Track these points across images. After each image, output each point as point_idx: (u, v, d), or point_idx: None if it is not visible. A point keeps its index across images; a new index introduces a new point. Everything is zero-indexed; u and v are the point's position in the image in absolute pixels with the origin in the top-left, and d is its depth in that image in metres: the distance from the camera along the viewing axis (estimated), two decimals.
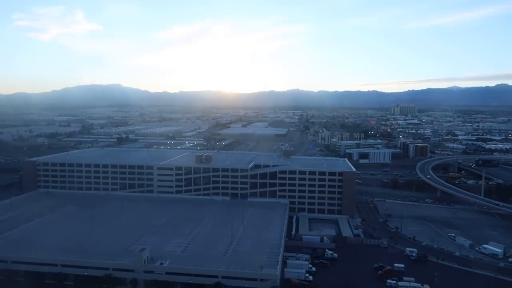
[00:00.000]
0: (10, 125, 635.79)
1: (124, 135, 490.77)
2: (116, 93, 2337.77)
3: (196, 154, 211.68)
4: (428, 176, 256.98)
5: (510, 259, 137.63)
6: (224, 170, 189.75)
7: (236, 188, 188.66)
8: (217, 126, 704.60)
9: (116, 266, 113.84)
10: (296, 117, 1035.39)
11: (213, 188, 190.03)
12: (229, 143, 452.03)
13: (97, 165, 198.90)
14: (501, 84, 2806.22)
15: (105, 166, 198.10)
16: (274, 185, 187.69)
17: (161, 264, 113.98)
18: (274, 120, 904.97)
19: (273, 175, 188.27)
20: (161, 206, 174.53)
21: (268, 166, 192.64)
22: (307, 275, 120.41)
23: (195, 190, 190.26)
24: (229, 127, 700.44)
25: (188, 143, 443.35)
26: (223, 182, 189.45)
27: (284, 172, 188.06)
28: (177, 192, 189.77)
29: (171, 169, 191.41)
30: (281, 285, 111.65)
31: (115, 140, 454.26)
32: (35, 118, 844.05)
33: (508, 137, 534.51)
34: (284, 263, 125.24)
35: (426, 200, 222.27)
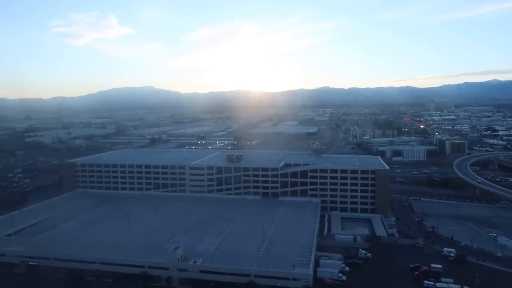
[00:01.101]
0: (50, 128, 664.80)
1: (156, 136, 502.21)
2: (148, 95, 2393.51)
3: (227, 153, 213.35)
4: (467, 174, 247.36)
5: None
6: (254, 169, 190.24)
7: (267, 187, 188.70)
8: (247, 126, 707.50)
9: (152, 264, 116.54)
10: (326, 115, 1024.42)
11: (244, 188, 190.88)
12: (260, 142, 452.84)
13: (131, 166, 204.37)
14: None
15: (139, 166, 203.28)
16: (305, 184, 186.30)
17: (194, 262, 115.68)
18: (304, 118, 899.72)
19: (304, 174, 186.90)
20: (193, 205, 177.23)
21: (298, 164, 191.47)
22: (340, 274, 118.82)
23: (226, 189, 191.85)
24: (259, 126, 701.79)
25: (219, 142, 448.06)
26: (253, 181, 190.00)
27: (315, 170, 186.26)
28: (209, 191, 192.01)
29: (203, 168, 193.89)
30: (314, 285, 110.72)
31: (148, 141, 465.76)
32: (72, 121, 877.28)
33: None
34: (317, 263, 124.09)
35: (466, 199, 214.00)
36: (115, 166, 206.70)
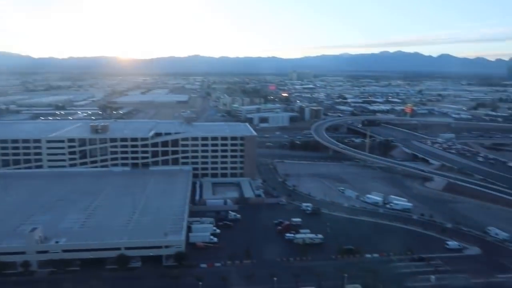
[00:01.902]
0: None
1: (3, 107, 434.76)
2: None
3: (91, 124, 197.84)
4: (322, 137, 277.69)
5: (387, 206, 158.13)
6: (122, 139, 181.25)
7: (137, 158, 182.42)
8: (113, 94, 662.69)
9: (3, 250, 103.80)
10: (197, 83, 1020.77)
11: (112, 159, 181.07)
12: (128, 111, 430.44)
13: None
14: (384, 51, 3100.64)
15: None
16: (176, 152, 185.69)
17: (56, 242, 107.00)
18: (174, 86, 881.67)
19: (175, 143, 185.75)
20: (53, 182, 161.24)
21: (169, 133, 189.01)
22: (211, 237, 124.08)
23: (92, 162, 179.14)
24: (126, 94, 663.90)
25: (81, 113, 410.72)
26: (122, 152, 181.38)
27: (186, 139, 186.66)
28: (71, 165, 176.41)
29: (63, 141, 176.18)
30: (186, 249, 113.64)
31: None
32: None
33: (388, 99, 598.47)
34: (189, 228, 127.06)
35: (321, 159, 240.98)
36: None
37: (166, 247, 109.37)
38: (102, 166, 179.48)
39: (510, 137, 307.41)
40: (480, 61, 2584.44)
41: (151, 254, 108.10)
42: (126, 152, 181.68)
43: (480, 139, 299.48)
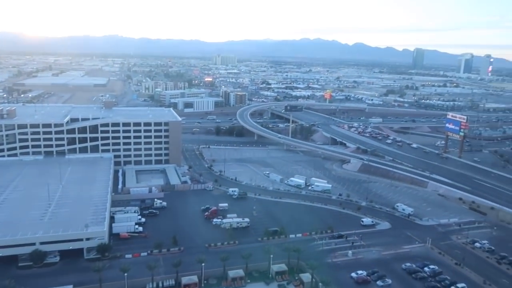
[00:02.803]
0: None
1: None
2: None
3: None
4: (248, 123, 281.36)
5: (309, 188, 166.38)
6: (33, 125, 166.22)
7: (51, 146, 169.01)
8: (20, 76, 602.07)
9: None
10: (116, 65, 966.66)
11: (21, 148, 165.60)
12: (38, 95, 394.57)
13: None
14: (304, 38, 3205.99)
15: None
16: (95, 139, 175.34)
17: None
18: (91, 68, 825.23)
19: (94, 129, 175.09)
20: None
21: (87, 119, 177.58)
22: (136, 226, 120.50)
23: None
24: (36, 76, 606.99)
25: None
26: (33, 139, 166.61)
27: (106, 124, 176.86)
28: None
29: None
30: (110, 240, 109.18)
31: None
32: None
33: (309, 86, 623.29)
34: (112, 218, 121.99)
35: (246, 144, 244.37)
36: None
37: (87, 239, 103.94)
38: (10, 155, 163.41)
39: (415, 121, 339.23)
40: (389, 51, 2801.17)
41: (70, 247, 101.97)
42: (38, 140, 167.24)
43: (402, 123, 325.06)
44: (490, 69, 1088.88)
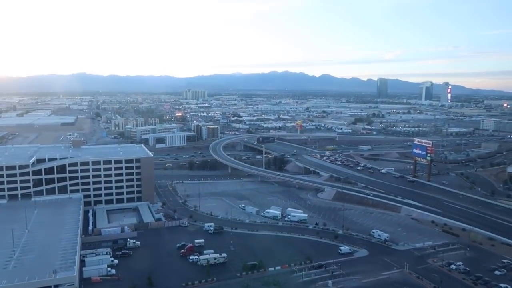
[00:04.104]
0: None
1: None
2: None
3: None
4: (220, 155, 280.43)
5: (286, 218, 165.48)
6: None
7: (15, 188, 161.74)
8: None
9: None
10: (84, 103, 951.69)
11: None
12: (1, 136, 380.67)
13: None
14: (273, 71, 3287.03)
15: None
16: (64, 179, 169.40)
17: None
18: (58, 107, 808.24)
19: (62, 169, 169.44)
20: None
21: (54, 159, 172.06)
22: (109, 269, 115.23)
23: None
24: None
25: None
26: None
27: (74, 164, 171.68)
28: None
29: None
30: (80, 286, 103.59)
31: None
32: None
33: (280, 117, 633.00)
34: (83, 262, 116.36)
35: (220, 177, 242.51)
36: None
37: (56, 286, 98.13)
38: None
39: (383, 147, 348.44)
40: (355, 81, 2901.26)
41: None
42: (1, 183, 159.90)
43: (396, 149, 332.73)
44: (449, 96, 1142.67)
